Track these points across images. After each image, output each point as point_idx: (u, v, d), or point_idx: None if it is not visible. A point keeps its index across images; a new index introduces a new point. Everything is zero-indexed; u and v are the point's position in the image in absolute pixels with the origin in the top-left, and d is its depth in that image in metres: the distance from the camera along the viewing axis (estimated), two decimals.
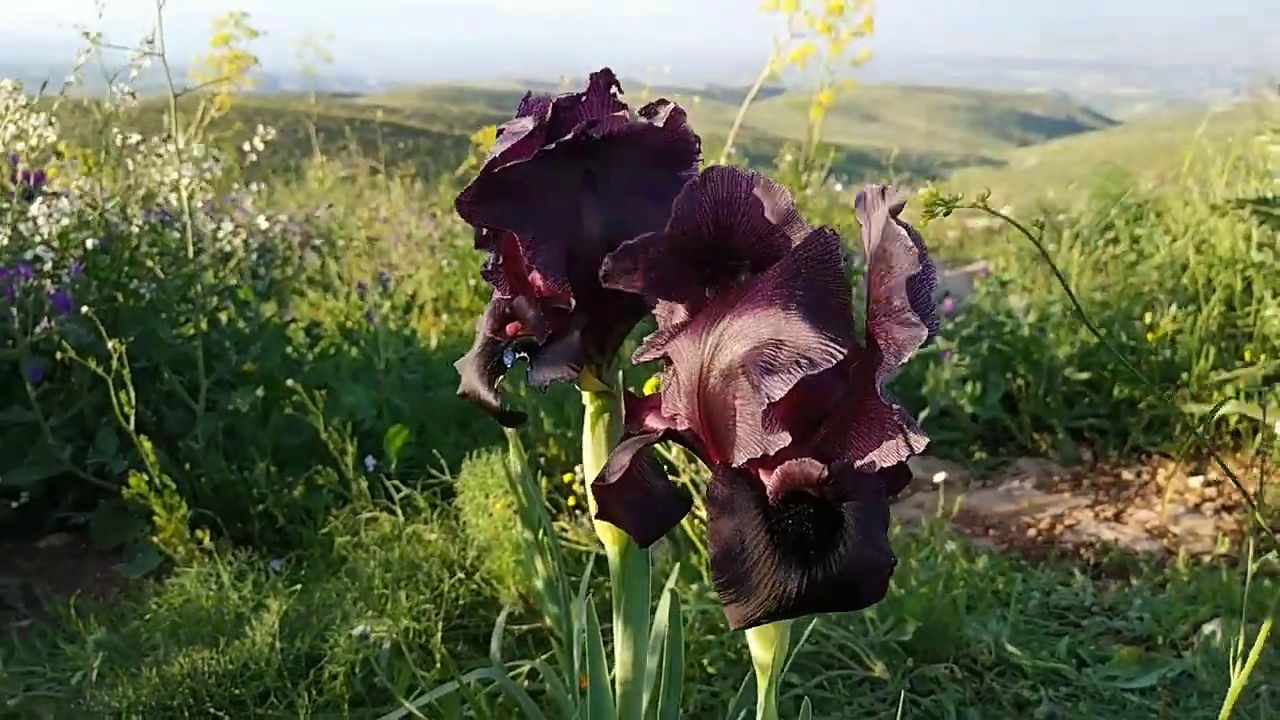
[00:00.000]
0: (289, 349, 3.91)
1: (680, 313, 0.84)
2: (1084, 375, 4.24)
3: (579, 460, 3.21)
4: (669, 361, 0.83)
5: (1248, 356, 4.05)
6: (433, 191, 12.12)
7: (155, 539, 2.90)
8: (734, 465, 0.77)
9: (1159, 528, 3.46)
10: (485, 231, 0.99)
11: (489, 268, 1.02)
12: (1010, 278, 4.98)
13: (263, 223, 3.79)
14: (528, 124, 0.96)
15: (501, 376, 1.02)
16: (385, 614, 2.17)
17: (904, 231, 0.70)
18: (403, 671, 2.04)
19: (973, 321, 4.60)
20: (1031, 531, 3.49)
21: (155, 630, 2.42)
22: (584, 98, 1.00)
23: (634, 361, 0.83)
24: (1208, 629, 2.53)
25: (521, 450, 1.90)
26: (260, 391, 3.42)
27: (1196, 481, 3.75)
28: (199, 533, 2.79)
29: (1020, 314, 4.43)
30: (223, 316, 3.70)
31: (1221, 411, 3.83)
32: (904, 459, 0.74)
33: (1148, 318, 4.38)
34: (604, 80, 1.00)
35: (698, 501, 2.44)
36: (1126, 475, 3.91)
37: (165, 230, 3.43)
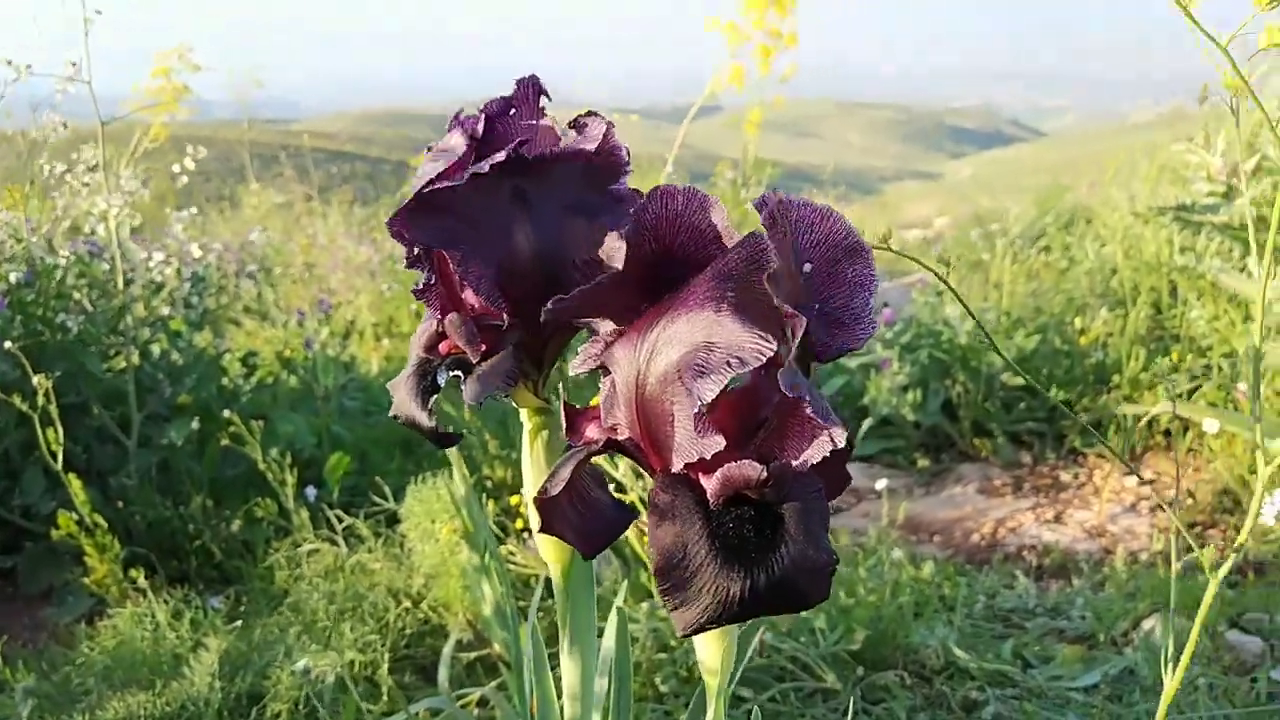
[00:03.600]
0: (225, 380, 3.83)
1: (606, 325, 0.83)
2: (1020, 380, 4.33)
3: None
4: (606, 371, 0.83)
5: (1175, 358, 4.17)
6: (372, 216, 12.02)
7: (87, 580, 2.81)
8: (674, 471, 0.77)
9: (1097, 527, 3.53)
10: (416, 251, 0.98)
11: (420, 287, 1.00)
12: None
13: (196, 251, 3.70)
14: (458, 142, 0.95)
15: (436, 396, 1.01)
16: (330, 647, 2.12)
17: (764, 234, 0.71)
18: (348, 705, 2.00)
19: (911, 331, 4.67)
20: (975, 536, 3.54)
21: (88, 675, 2.33)
22: (513, 108, 0.99)
23: (571, 373, 0.82)
24: (1147, 625, 2.59)
25: (466, 473, 1.88)
26: (196, 424, 3.34)
27: (1132, 481, 3.84)
28: (133, 572, 2.71)
29: (957, 323, 4.51)
30: (155, 348, 3.61)
31: (1152, 412, 3.93)
32: (828, 454, 0.74)
33: (1079, 322, 4.49)
34: (532, 89, 0.99)
35: (643, 517, 2.43)
36: (1065, 477, 3.99)
37: (94, 262, 3.34)
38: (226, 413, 2.98)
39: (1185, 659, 1.12)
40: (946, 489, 3.98)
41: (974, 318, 0.94)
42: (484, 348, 0.97)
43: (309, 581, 2.60)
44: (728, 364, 0.70)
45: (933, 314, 4.73)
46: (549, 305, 0.79)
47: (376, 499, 2.87)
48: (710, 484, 0.75)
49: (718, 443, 0.72)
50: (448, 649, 1.94)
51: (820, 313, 0.77)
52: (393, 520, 2.96)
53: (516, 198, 0.95)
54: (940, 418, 4.35)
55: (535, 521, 1.09)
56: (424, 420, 1.00)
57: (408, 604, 2.49)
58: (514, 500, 2.79)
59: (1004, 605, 2.83)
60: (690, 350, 0.73)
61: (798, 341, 0.69)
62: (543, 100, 1.00)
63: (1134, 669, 2.40)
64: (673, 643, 2.39)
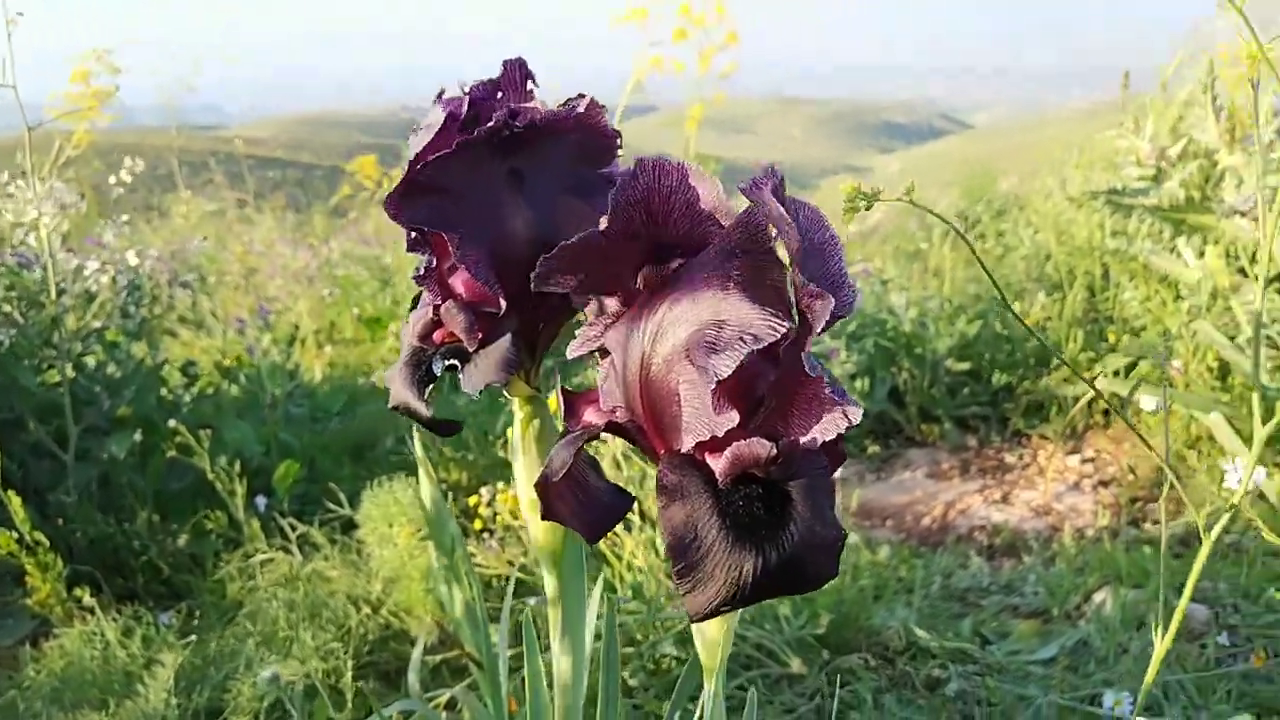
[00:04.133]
0: (164, 391, 3.73)
1: (612, 305, 0.83)
2: (964, 365, 4.41)
3: (482, 484, 3.16)
4: (605, 354, 0.82)
5: (1111, 339, 4.28)
6: (306, 222, 11.82)
7: (29, 601, 2.71)
8: (681, 451, 0.76)
9: (1043, 506, 3.62)
10: (414, 235, 0.96)
11: (422, 272, 0.98)
12: (889, 276, 5.15)
13: (132, 258, 3.59)
14: (439, 114, 0.93)
15: (432, 385, 0.99)
16: (291, 656, 2.08)
17: (783, 211, 0.71)
18: (319, 710, 1.96)
19: (857, 320, 4.73)
20: (926, 519, 3.60)
21: (34, 698, 2.25)
22: (499, 91, 0.98)
23: (569, 356, 0.81)
24: (1098, 598, 2.66)
25: (433, 473, 1.85)
26: (138, 436, 3.25)
27: (1075, 460, 3.94)
28: (77, 591, 2.63)
29: (901, 311, 4.58)
30: (90, 360, 3.50)
31: (1091, 392, 4.03)
32: (844, 431, 0.74)
33: (1018, 306, 4.59)
34: (519, 71, 0.98)
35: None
36: (1010, 459, 4.08)
37: (23, 273, 3.22)
38: (172, 422, 2.90)
39: (1172, 632, 1.15)
40: (896, 474, 4.04)
41: (989, 275, 0.95)
42: (480, 335, 0.95)
43: (264, 591, 2.55)
44: (741, 340, 0.70)
45: (878, 303, 4.80)
46: (538, 265, 0.78)
47: (331, 506, 2.82)
48: (719, 463, 0.75)
49: (731, 419, 0.72)
50: (417, 652, 1.91)
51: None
52: (348, 527, 2.91)
53: (509, 178, 0.94)
54: (888, 404, 4.41)
55: (528, 507, 1.08)
56: (422, 410, 0.98)
57: (368, 610, 2.45)
58: (472, 501, 2.76)
59: (959, 585, 2.88)
60: (699, 328, 0.73)
61: (825, 321, 0.69)
62: (530, 85, 0.98)
63: (1088, 640, 2.46)
64: (639, 636, 2.38)
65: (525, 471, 1.08)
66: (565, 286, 0.82)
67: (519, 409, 1.06)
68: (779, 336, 0.71)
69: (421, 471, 1.81)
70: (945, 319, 4.58)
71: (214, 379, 4.19)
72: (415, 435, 1.86)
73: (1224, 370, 3.86)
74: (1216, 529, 1.12)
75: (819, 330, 0.70)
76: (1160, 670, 2.26)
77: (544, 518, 0.84)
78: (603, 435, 0.85)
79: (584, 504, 0.87)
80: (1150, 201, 4.29)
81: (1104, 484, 3.73)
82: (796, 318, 0.73)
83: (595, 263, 0.80)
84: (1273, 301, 4.09)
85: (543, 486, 0.83)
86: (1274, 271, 4.30)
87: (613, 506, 0.89)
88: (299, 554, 2.72)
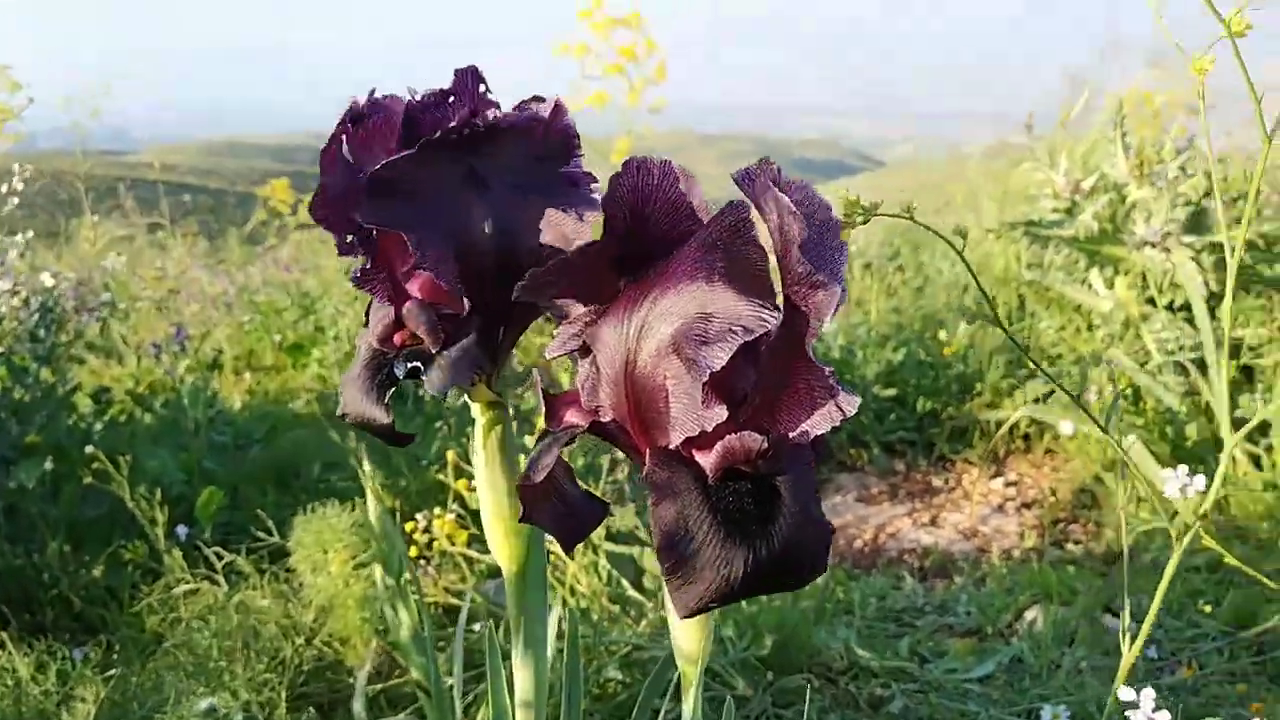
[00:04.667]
0: (74, 418, 3.56)
1: (582, 307, 0.82)
2: (891, 392, 4.50)
3: (415, 509, 3.09)
4: (585, 353, 0.81)
5: (1029, 367, 4.42)
6: (221, 248, 11.53)
7: None
8: (669, 448, 0.75)
9: (970, 529, 3.69)
10: (350, 238, 0.93)
11: (360, 274, 0.96)
12: None
13: (47, 279, 3.44)
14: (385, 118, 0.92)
15: (392, 390, 0.96)
16: (223, 687, 1.99)
17: (787, 199, 0.72)
18: None
19: None
20: (859, 542, 3.64)
21: None
22: (451, 97, 0.96)
23: (547, 356, 0.80)
24: (1029, 615, 2.72)
25: (380, 492, 1.80)
26: (48, 464, 3.10)
27: (998, 483, 4.04)
28: None
29: (830, 338, 4.65)
30: None
31: (1013, 419, 4.15)
32: (838, 424, 0.74)
33: (941, 334, 4.70)
34: (471, 78, 0.96)
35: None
36: (936, 482, 4.16)
37: None
38: (89, 449, 2.77)
39: (1141, 641, 1.18)
40: (828, 498, 4.08)
41: (975, 277, 0.97)
42: (443, 337, 0.93)
43: (187, 624, 2.44)
44: (731, 332, 0.70)
45: None
46: (524, 281, 0.77)
47: (259, 534, 2.73)
48: (708, 458, 0.74)
49: (721, 413, 0.72)
50: (362, 678, 1.85)
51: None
52: (275, 556, 2.81)
53: (468, 177, 0.92)
54: None
55: (491, 517, 1.06)
56: (380, 417, 0.95)
57: (300, 640, 2.36)
58: (409, 527, 2.69)
59: (894, 606, 2.91)
60: (685, 322, 0.72)
61: (832, 311, 0.70)
62: (483, 88, 0.97)
63: (1021, 657, 2.51)
64: (583, 660, 2.35)
65: (488, 480, 1.05)
66: (549, 298, 0.81)
67: (480, 414, 1.04)
68: (770, 327, 0.71)
69: (369, 491, 1.76)
70: (872, 346, 4.67)
71: (126, 406, 4.03)
72: (364, 454, 1.81)
73: (1137, 395, 4.02)
74: (1187, 537, 1.15)
75: (827, 319, 0.71)
76: (1094, 685, 2.32)
77: (522, 520, 0.82)
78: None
79: (561, 511, 0.85)
80: (1066, 233, 4.46)
81: (1026, 506, 3.83)
82: (783, 308, 0.73)
83: (585, 274, 0.79)
84: (1179, 330, 4.28)
85: (524, 487, 0.81)
86: (1178, 300, 4.51)
87: (588, 513, 0.88)
88: (225, 583, 2.61)
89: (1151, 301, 4.45)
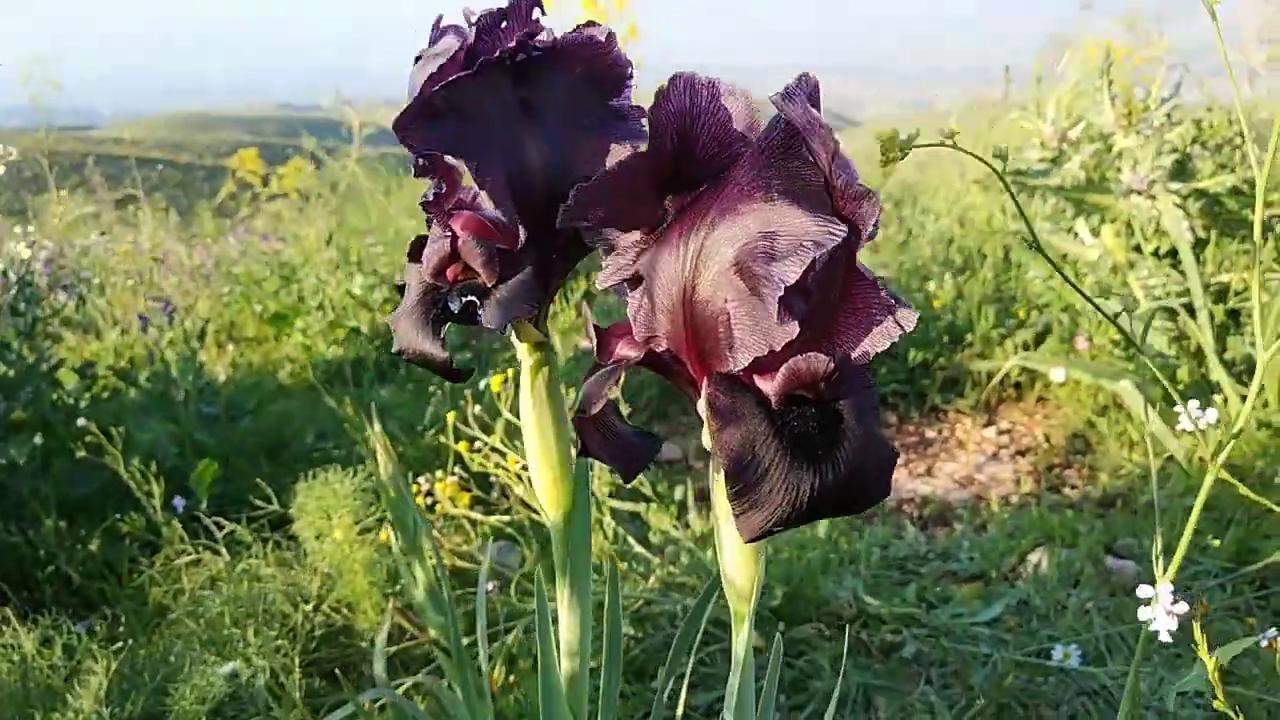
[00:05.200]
0: (59, 394, 3.50)
1: (630, 238, 0.79)
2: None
3: (414, 475, 3.06)
4: (635, 283, 0.78)
5: (1021, 315, 4.43)
6: (193, 221, 11.37)
7: None
8: (730, 373, 0.73)
9: (966, 477, 3.72)
10: (422, 161, 0.91)
11: (430, 198, 0.93)
12: None
13: (23, 250, 3.36)
14: (451, 43, 0.88)
15: (447, 326, 0.93)
16: (237, 654, 1.97)
17: (817, 115, 0.69)
18: (286, 705, 1.86)
19: None
20: None
21: None
22: (504, 20, 0.93)
23: (599, 286, 0.77)
24: (1033, 559, 2.74)
25: (390, 449, 1.77)
26: (37, 440, 3.04)
27: (991, 432, 4.06)
28: None
29: None
30: None
31: (1005, 368, 4.16)
32: (896, 340, 0.73)
33: (930, 286, 4.70)
34: (526, 2, 0.93)
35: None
36: (930, 433, 4.18)
37: None
38: (82, 422, 2.72)
39: (1176, 561, 1.18)
40: None
41: (1024, 217, 0.95)
42: (498, 270, 0.90)
43: (191, 595, 2.41)
44: (802, 247, 0.68)
45: None
46: (571, 197, 0.74)
47: (260, 502, 2.70)
48: (771, 383, 0.72)
49: (792, 331, 0.70)
50: (381, 639, 1.83)
51: None
52: (275, 525, 2.79)
53: (521, 108, 0.90)
54: None
55: (538, 461, 1.04)
56: (437, 352, 0.92)
57: (308, 607, 2.34)
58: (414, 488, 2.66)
59: (897, 554, 2.93)
60: (749, 241, 0.70)
61: (873, 223, 0.68)
62: (536, 13, 0.94)
63: (1027, 600, 2.53)
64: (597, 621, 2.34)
65: (535, 422, 1.03)
66: (594, 220, 0.78)
67: (527, 355, 1.01)
68: (838, 240, 0.69)
69: (380, 450, 1.74)
70: None
71: (109, 381, 3.97)
72: (371, 417, 1.78)
73: (1127, 341, 4.03)
74: (1224, 453, 1.15)
75: (868, 232, 0.69)
76: (1101, 624, 2.34)
77: (580, 454, 0.81)
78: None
79: (612, 445, 0.84)
80: (1053, 182, 4.46)
81: (1021, 453, 3.86)
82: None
83: (628, 192, 0.76)
84: (1165, 275, 4.30)
85: (580, 422, 0.79)
86: (1163, 247, 4.52)
87: (642, 446, 0.87)
88: (228, 554, 2.59)
89: (1138, 249, 4.47)
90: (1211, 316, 3.86)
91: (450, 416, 2.49)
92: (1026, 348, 4.31)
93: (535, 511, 2.56)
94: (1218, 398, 3.42)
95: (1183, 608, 1.11)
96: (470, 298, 0.90)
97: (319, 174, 8.20)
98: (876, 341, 0.73)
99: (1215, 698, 1.07)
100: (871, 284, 0.72)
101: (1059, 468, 3.67)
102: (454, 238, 0.91)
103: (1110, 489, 3.32)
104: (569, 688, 1.11)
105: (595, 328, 0.81)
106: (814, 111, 0.71)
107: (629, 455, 0.84)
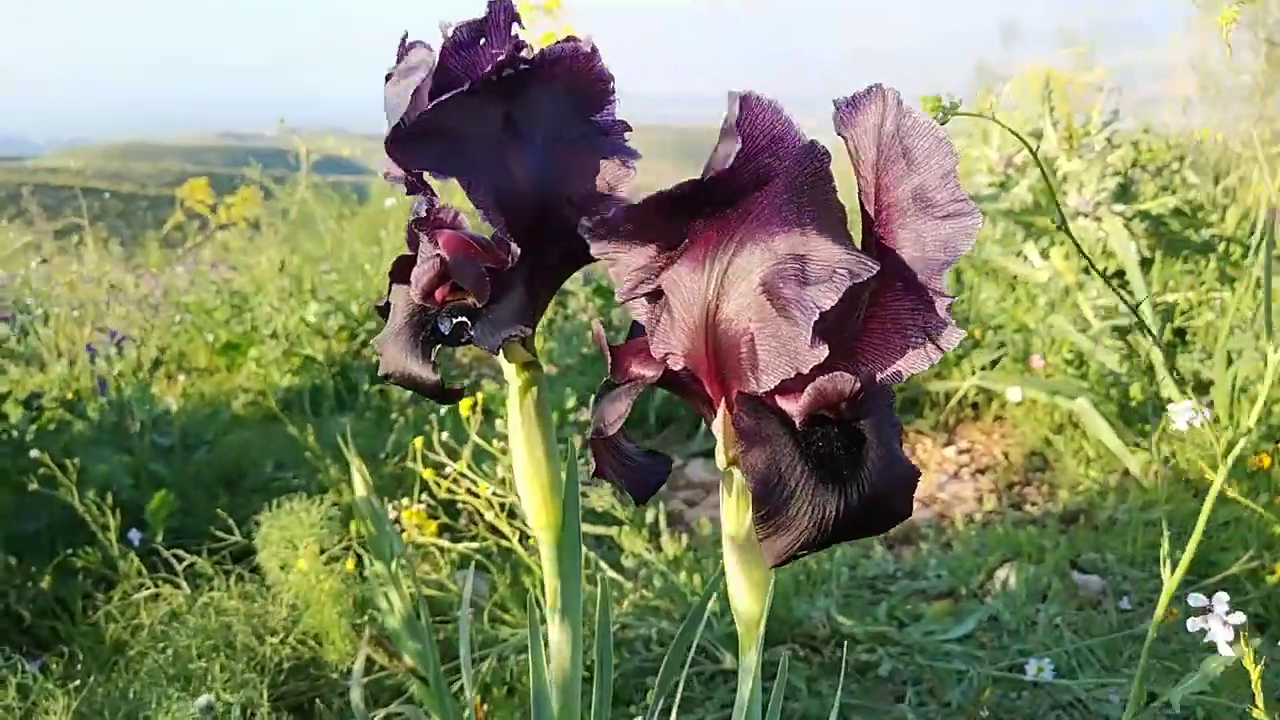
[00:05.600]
0: (4, 426, 3.39)
1: (649, 251, 0.78)
2: None
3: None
4: (652, 299, 0.77)
5: (977, 335, 4.51)
6: (136, 252, 11.16)
7: None
8: (754, 394, 0.73)
9: (929, 496, 3.75)
10: (411, 178, 0.89)
11: (422, 214, 0.91)
12: None
13: None
14: (423, 55, 0.88)
15: (438, 347, 0.92)
16: (205, 688, 1.91)
17: (926, 120, 0.70)
18: None
19: None
20: None
21: None
22: (483, 36, 0.92)
23: (619, 300, 0.77)
24: (1000, 575, 2.77)
25: (366, 474, 1.74)
26: None
27: (951, 451, 4.11)
28: None
29: None
30: None
31: (963, 389, 4.23)
32: (935, 361, 0.73)
33: None
34: (504, 14, 0.92)
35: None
36: None
37: None
38: (35, 453, 2.64)
39: (1168, 595, 1.20)
40: None
41: (1071, 238, 0.96)
42: (489, 290, 0.89)
43: (151, 630, 2.34)
44: (837, 274, 0.68)
45: None
46: (596, 225, 0.73)
47: (219, 534, 2.63)
48: (795, 404, 0.72)
49: (823, 353, 0.69)
50: (358, 667, 1.79)
51: None
52: (237, 557, 2.72)
53: (505, 125, 0.89)
54: None
55: (527, 483, 1.02)
56: (428, 374, 0.91)
57: (275, 639, 2.28)
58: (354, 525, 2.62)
59: (867, 574, 2.94)
60: (780, 264, 0.70)
61: (961, 250, 0.69)
62: (515, 27, 0.93)
63: (997, 615, 2.55)
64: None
65: (525, 442, 1.02)
66: (623, 243, 0.77)
67: (515, 376, 1.00)
68: (872, 273, 0.69)
69: (356, 475, 1.70)
70: None
71: (55, 414, 3.86)
72: (347, 438, 1.75)
73: (1081, 360, 4.13)
74: (1233, 453, 1.17)
75: (960, 250, 0.70)
76: (1071, 638, 2.37)
77: (594, 475, 0.80)
78: None
79: (629, 465, 0.83)
80: (1002, 206, 4.56)
81: (981, 472, 3.91)
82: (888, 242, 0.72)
83: (662, 217, 0.75)
84: (1114, 295, 4.41)
85: (597, 441, 0.78)
86: (1110, 268, 4.64)
87: (653, 468, 0.86)
88: (187, 587, 2.52)
89: (1086, 270, 4.58)
90: (1160, 334, 3.96)
91: (418, 442, 2.46)
92: (983, 368, 4.38)
93: (504, 538, 2.53)
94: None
95: (1240, 618, 1.16)
96: (461, 318, 0.89)
97: (269, 202, 8.11)
98: (912, 363, 0.74)
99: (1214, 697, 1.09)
100: (929, 305, 0.72)
101: (1019, 485, 3.72)
102: (442, 258, 0.90)
103: (1070, 505, 3.37)
104: (561, 711, 1.09)
105: (610, 346, 0.80)
106: (918, 118, 0.71)
107: (641, 477, 0.83)
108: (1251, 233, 4.33)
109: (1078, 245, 1.30)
